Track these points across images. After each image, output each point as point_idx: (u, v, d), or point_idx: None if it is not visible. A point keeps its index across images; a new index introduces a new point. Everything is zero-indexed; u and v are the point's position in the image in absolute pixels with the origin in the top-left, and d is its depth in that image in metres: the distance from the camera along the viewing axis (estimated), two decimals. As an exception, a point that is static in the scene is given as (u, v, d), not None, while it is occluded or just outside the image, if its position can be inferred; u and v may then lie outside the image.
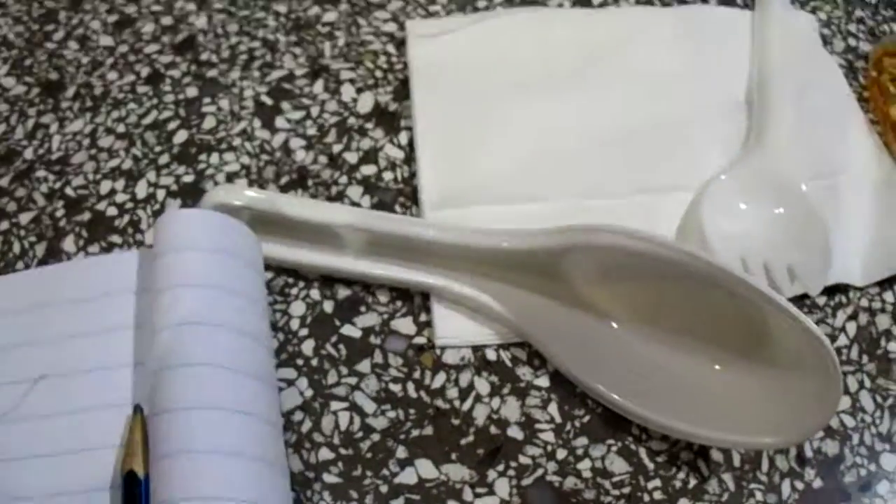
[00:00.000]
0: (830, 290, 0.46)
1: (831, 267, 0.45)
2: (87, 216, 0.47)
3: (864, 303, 0.46)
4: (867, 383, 0.44)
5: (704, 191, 0.47)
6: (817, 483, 0.41)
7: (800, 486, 0.41)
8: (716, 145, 0.50)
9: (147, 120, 0.51)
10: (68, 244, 0.46)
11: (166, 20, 0.56)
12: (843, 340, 0.45)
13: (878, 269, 0.46)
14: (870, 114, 0.53)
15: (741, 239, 0.45)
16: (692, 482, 0.41)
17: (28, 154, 0.50)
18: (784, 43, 0.53)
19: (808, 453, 0.42)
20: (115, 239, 0.47)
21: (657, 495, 0.41)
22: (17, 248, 0.46)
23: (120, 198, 0.48)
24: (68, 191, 0.48)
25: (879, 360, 0.44)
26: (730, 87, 0.53)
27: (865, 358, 0.45)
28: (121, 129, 0.51)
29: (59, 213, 0.48)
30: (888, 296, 0.46)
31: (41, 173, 0.49)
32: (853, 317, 0.46)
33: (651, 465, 0.41)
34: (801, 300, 0.45)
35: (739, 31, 0.55)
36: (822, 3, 0.58)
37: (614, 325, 0.42)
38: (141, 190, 0.48)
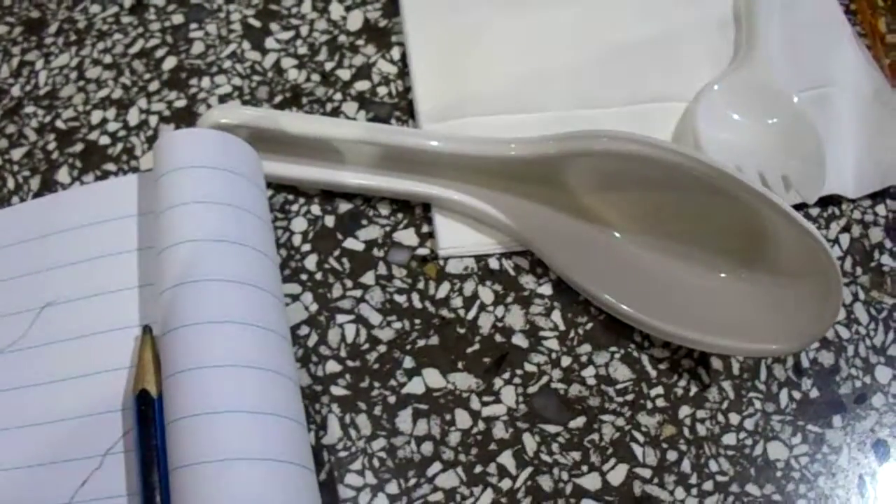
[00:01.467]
0: (823, 202, 0.46)
1: (825, 176, 0.45)
2: (79, 147, 0.47)
3: (857, 215, 0.46)
4: (861, 295, 0.44)
5: (697, 100, 0.47)
6: (814, 393, 0.42)
7: (797, 395, 0.42)
8: (707, 57, 0.50)
9: (134, 49, 0.51)
10: (62, 175, 0.46)
11: (146, -50, 0.55)
12: (836, 252, 0.45)
13: (869, 181, 0.47)
14: (857, 27, 0.53)
15: (736, 148, 0.45)
16: (693, 389, 0.41)
17: (15, 91, 0.50)
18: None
19: (805, 363, 0.42)
20: (110, 167, 0.46)
21: (659, 402, 0.41)
22: (11, 183, 0.46)
23: (112, 126, 0.48)
24: (59, 123, 0.48)
25: (873, 272, 0.45)
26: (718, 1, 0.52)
27: (859, 270, 0.45)
28: (108, 59, 0.50)
29: (51, 146, 0.47)
30: (880, 209, 0.47)
31: (30, 109, 0.49)
32: (846, 229, 0.46)
33: (653, 373, 0.42)
34: (795, 209, 0.44)
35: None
36: None
37: (616, 233, 0.43)
38: (133, 117, 0.48)
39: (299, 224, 0.45)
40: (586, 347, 0.42)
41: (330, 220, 0.45)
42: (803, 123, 0.46)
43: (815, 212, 0.46)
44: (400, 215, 0.45)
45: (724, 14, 0.52)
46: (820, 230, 0.45)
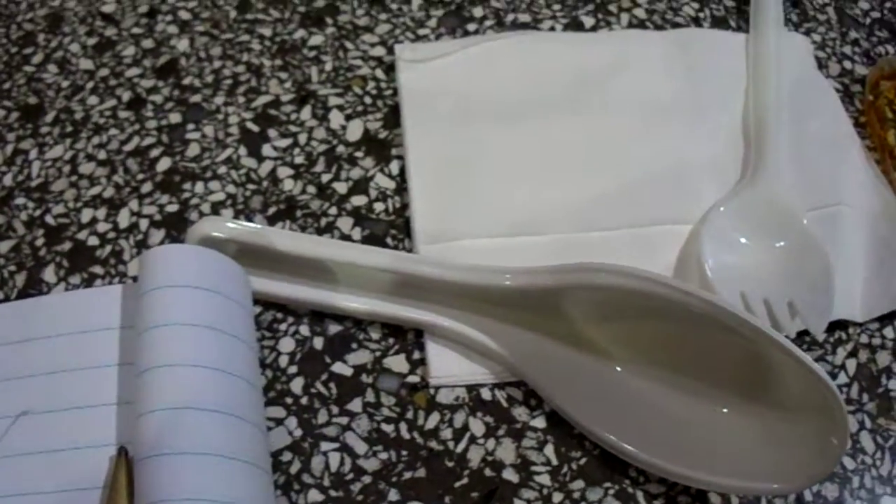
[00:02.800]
0: (830, 326, 0.44)
1: (833, 304, 0.44)
2: (67, 245, 0.46)
3: (864, 339, 0.45)
4: (867, 423, 0.43)
5: (703, 223, 0.46)
6: (817, 528, 0.40)
7: (799, 530, 0.40)
8: (713, 174, 0.49)
9: (129, 146, 0.50)
10: (49, 274, 0.45)
11: (147, 43, 0.55)
12: (842, 378, 0.44)
13: (878, 303, 0.45)
14: (867, 140, 0.52)
15: (741, 273, 0.44)
16: (690, 525, 0.40)
17: (7, 180, 0.49)
18: (779, 67, 0.52)
19: (808, 497, 0.41)
20: (97, 270, 0.45)
21: (655, 539, 0.40)
22: (-5, 277, 0.45)
23: (101, 227, 0.47)
24: (48, 219, 0.47)
25: (880, 398, 0.44)
26: (725, 114, 0.52)
27: (866, 397, 0.44)
28: (102, 155, 0.50)
29: (40, 242, 0.46)
30: (888, 331, 0.46)
31: (20, 200, 0.48)
32: (853, 353, 0.45)
33: (649, 509, 0.40)
34: (800, 336, 0.44)
35: (734, 54, 0.54)
36: (816, 24, 0.58)
37: (614, 365, 0.41)
38: (123, 219, 0.47)
39: (287, 344, 0.43)
40: (580, 483, 0.41)
41: (318, 342, 0.43)
42: (812, 246, 0.45)
43: (821, 336, 0.44)
44: (391, 340, 0.44)
45: (733, 129, 0.51)
46: (826, 355, 0.44)
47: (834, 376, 0.44)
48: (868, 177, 0.50)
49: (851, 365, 0.45)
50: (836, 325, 0.45)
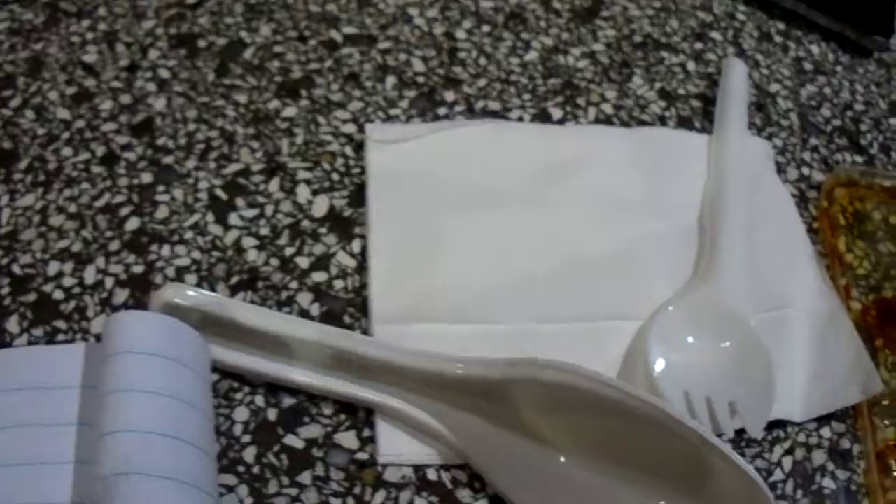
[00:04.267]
0: (769, 424, 0.46)
1: (774, 403, 0.45)
2: (32, 297, 0.47)
3: (802, 438, 0.47)
4: (800, 520, 0.45)
5: (651, 321, 0.47)
6: None
7: None
8: (666, 272, 0.51)
9: (100, 202, 0.51)
10: (12, 324, 0.46)
11: (125, 98, 0.56)
12: (778, 475, 0.46)
13: (817, 405, 0.47)
14: (818, 245, 0.54)
15: (686, 372, 0.46)
16: None
17: (-24, 225, 0.49)
18: (739, 169, 0.54)
19: None
20: (60, 324, 0.46)
21: None
22: (-42, 324, 0.45)
23: (67, 281, 0.48)
24: (15, 268, 0.48)
25: (814, 495, 0.45)
26: (684, 212, 0.54)
27: (800, 493, 0.45)
28: (73, 208, 0.50)
29: (5, 291, 0.47)
30: (825, 431, 0.47)
31: (-12, 247, 0.48)
32: (790, 451, 0.47)
33: None
34: (738, 434, 0.46)
35: (696, 155, 0.56)
36: (779, 129, 0.60)
37: (558, 454, 0.43)
38: (89, 275, 0.48)
39: (241, 414, 0.45)
40: (516, 568, 0.42)
41: (273, 414, 0.45)
42: (756, 348, 0.47)
43: (759, 435, 0.46)
44: (343, 416, 0.45)
45: (689, 228, 0.53)
46: (763, 453, 0.46)
47: (770, 473, 0.46)
48: (817, 282, 0.52)
49: (787, 462, 0.46)
50: (775, 424, 0.47)
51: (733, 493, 0.39)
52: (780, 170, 0.58)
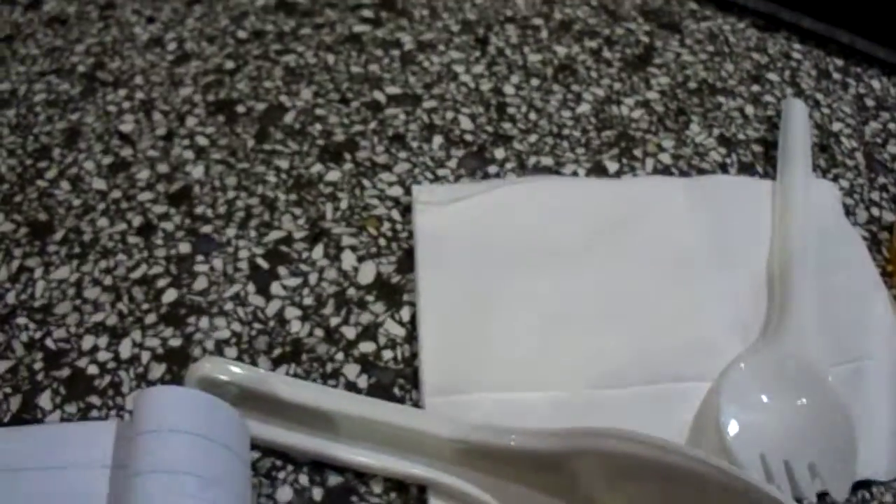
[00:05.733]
0: (853, 485, 0.43)
1: (857, 462, 0.42)
2: (66, 372, 0.45)
3: (889, 498, 0.43)
4: None
5: (722, 381, 0.45)
6: None
7: None
8: (734, 328, 0.48)
9: (136, 274, 0.49)
10: (44, 400, 0.44)
11: (162, 167, 0.54)
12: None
13: None
14: (893, 290, 0.51)
15: (761, 434, 0.43)
16: None
17: (10, 298, 0.48)
18: (806, 215, 0.51)
19: None
20: (94, 400, 0.44)
21: None
22: (-10, 399, 0.44)
23: (102, 356, 0.46)
24: (49, 342, 0.46)
25: None
26: (749, 264, 0.51)
27: None
28: (108, 280, 0.49)
29: (38, 366, 0.45)
30: (914, 490, 0.44)
31: (22, 320, 0.47)
32: (876, 513, 0.43)
33: None
34: (822, 496, 0.42)
35: (760, 201, 0.54)
36: (845, 170, 0.57)
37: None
38: (125, 350, 0.46)
39: (285, 494, 0.42)
40: None
41: (318, 493, 0.42)
42: (835, 404, 0.44)
43: (842, 499, 0.42)
44: (393, 495, 0.42)
45: (756, 280, 0.50)
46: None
47: (855, 539, 0.42)
48: (894, 328, 0.48)
49: (875, 526, 0.43)
50: (860, 485, 0.43)
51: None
52: (849, 212, 0.55)
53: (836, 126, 0.61)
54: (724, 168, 0.57)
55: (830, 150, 0.59)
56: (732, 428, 0.43)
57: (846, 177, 0.57)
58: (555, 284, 0.49)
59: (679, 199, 0.54)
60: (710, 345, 0.47)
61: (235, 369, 0.42)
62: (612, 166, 0.57)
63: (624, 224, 0.52)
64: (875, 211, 0.56)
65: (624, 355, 0.47)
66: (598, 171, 0.57)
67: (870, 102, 0.63)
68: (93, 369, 0.46)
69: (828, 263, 0.50)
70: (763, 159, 0.58)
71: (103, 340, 0.47)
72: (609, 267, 0.50)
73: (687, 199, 0.54)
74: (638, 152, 0.58)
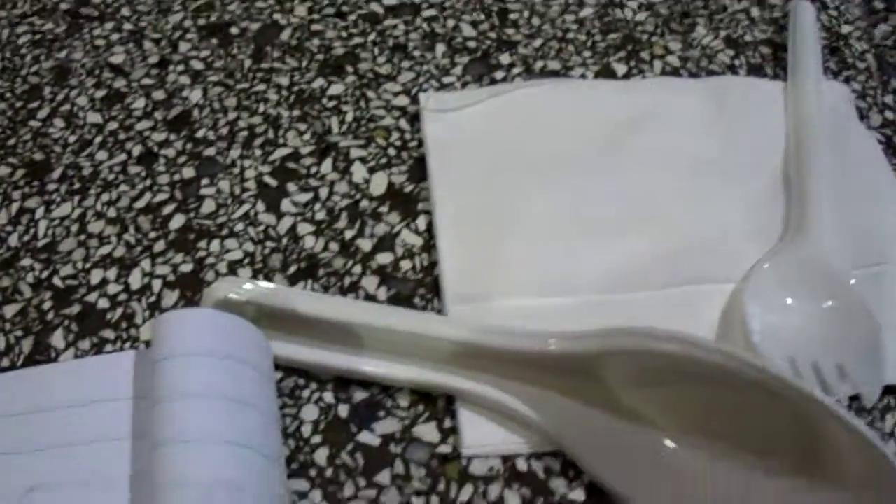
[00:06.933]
0: (878, 391, 0.42)
1: (885, 366, 0.41)
2: (76, 308, 0.44)
3: None
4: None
5: (746, 282, 0.43)
6: None
7: None
8: (753, 231, 0.47)
9: (140, 203, 0.48)
10: (57, 339, 0.43)
11: (158, 94, 0.53)
12: (891, 447, 0.41)
13: None
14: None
15: (788, 336, 0.42)
16: None
17: (13, 241, 0.47)
18: (820, 117, 0.50)
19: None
20: (108, 334, 0.43)
21: None
22: (1, 343, 0.43)
23: (112, 289, 0.45)
24: (56, 281, 0.45)
25: None
26: (765, 167, 0.49)
27: None
28: (112, 213, 0.48)
29: (47, 306, 0.44)
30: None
31: (27, 262, 0.46)
32: (904, 421, 0.42)
33: (695, 587, 0.37)
34: (850, 401, 0.41)
35: (772, 103, 0.52)
36: (856, 73, 0.55)
37: (661, 435, 0.39)
38: (135, 280, 0.45)
39: (310, 412, 0.41)
40: (622, 559, 0.38)
41: (344, 410, 0.41)
42: (860, 308, 0.42)
43: (872, 402, 0.41)
44: (420, 407, 0.41)
45: (773, 183, 0.49)
46: (875, 422, 0.41)
47: (883, 445, 0.41)
48: None
49: (902, 433, 0.42)
50: (885, 391, 0.42)
51: (857, 471, 0.34)
52: (862, 116, 0.53)
53: (846, 29, 0.59)
54: (733, 70, 0.56)
55: (840, 53, 0.57)
56: (758, 329, 0.42)
57: (858, 80, 0.56)
58: (572, 189, 0.48)
59: (692, 100, 0.52)
60: (731, 247, 0.46)
61: (253, 287, 0.40)
62: (621, 69, 0.55)
63: (638, 127, 0.51)
64: (889, 115, 0.54)
65: (645, 259, 0.45)
66: (607, 73, 0.55)
67: (879, 5, 0.61)
68: (103, 303, 0.45)
69: (844, 167, 0.49)
70: (772, 61, 0.56)
71: (112, 273, 0.46)
72: (625, 170, 0.49)
73: (700, 100, 0.52)
74: (645, 55, 0.56)
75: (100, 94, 0.54)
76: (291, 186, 0.49)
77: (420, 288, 0.45)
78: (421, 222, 0.47)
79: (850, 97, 0.53)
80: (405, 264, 0.46)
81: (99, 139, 0.51)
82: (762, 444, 0.37)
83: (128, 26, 0.58)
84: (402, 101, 0.53)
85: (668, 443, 0.39)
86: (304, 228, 0.47)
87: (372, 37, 0.56)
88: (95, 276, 0.45)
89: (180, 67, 0.55)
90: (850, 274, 0.44)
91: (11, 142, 0.51)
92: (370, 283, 0.45)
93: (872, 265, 0.45)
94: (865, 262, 0.45)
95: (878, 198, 0.48)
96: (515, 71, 0.55)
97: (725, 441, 0.38)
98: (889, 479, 0.33)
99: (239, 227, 0.47)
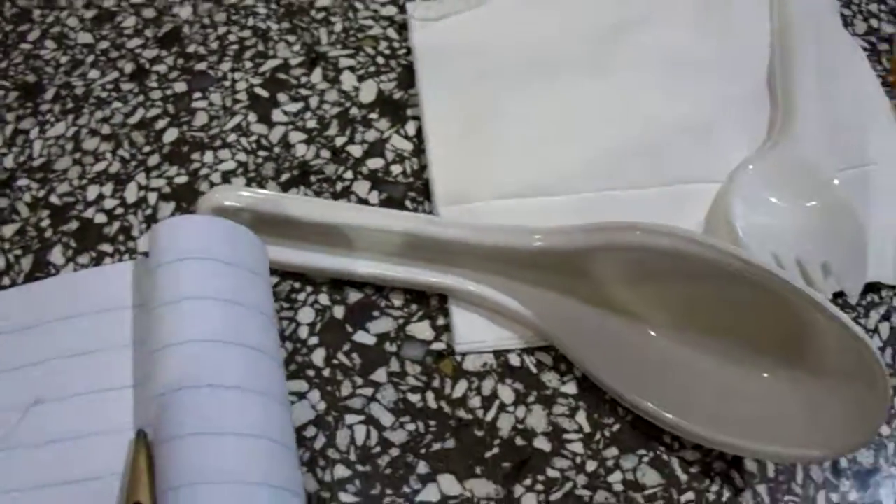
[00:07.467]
0: (862, 288, 0.42)
1: (867, 264, 0.42)
2: (74, 225, 0.45)
3: None
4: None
5: (731, 182, 0.44)
6: (853, 495, 0.39)
7: (835, 498, 0.39)
8: (739, 132, 0.47)
9: (133, 119, 0.48)
10: (56, 256, 0.44)
11: (148, 12, 0.53)
12: (875, 342, 0.42)
13: None
14: (895, 100, 0.50)
15: (772, 233, 0.42)
16: (726, 494, 0.38)
17: (8, 162, 0.47)
18: (805, 24, 0.50)
19: (843, 463, 0.39)
20: (106, 248, 0.44)
21: (691, 508, 0.38)
22: (1, 262, 0.43)
23: (108, 203, 0.45)
24: (53, 199, 0.46)
25: None
26: (751, 69, 0.50)
27: None
28: (105, 130, 0.48)
29: (45, 223, 0.45)
30: (923, 295, 0.43)
31: (23, 181, 0.46)
32: (886, 317, 0.43)
33: (684, 477, 0.39)
34: (835, 297, 0.42)
35: (759, 6, 0.52)
36: (842, -20, 0.55)
37: (648, 328, 0.40)
38: (131, 194, 0.46)
39: (306, 315, 0.42)
40: (613, 451, 0.39)
41: (339, 311, 0.42)
42: (843, 207, 0.43)
43: (855, 298, 0.42)
44: (414, 307, 0.42)
45: (759, 86, 0.49)
46: (859, 318, 0.42)
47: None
48: None
49: (884, 329, 0.43)
50: (869, 288, 0.43)
51: (838, 360, 0.35)
52: (847, 23, 0.53)
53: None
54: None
55: (824, -42, 0.57)
56: (744, 227, 0.42)
57: (843, -14, 0.55)
58: (560, 90, 0.48)
59: (681, 4, 0.52)
60: (718, 147, 0.46)
61: (247, 194, 0.41)
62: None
63: (625, 28, 0.51)
64: (874, 22, 0.54)
65: (632, 158, 0.46)
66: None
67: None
68: (101, 218, 0.45)
69: (828, 72, 0.49)
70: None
71: (108, 188, 0.46)
72: (612, 72, 0.49)
73: (687, 3, 0.52)
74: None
75: (90, 14, 0.53)
76: (282, 97, 0.49)
77: (411, 191, 0.45)
78: (410, 128, 0.48)
79: (836, 4, 0.53)
80: (395, 168, 0.46)
81: (91, 58, 0.51)
82: (748, 339, 0.38)
83: (116, -53, 0.57)
84: (390, 10, 0.53)
85: (657, 337, 0.40)
86: (296, 137, 0.48)
87: (359, -52, 0.56)
88: (92, 192, 0.46)
89: (170, -16, 0.54)
90: (835, 174, 0.44)
91: (3, 65, 0.51)
92: (362, 187, 0.46)
93: (857, 166, 0.46)
94: (849, 162, 0.46)
95: (863, 101, 0.49)
96: (504, -22, 0.54)
97: (712, 335, 0.39)
98: (871, 370, 0.33)
99: (231, 137, 0.47)
